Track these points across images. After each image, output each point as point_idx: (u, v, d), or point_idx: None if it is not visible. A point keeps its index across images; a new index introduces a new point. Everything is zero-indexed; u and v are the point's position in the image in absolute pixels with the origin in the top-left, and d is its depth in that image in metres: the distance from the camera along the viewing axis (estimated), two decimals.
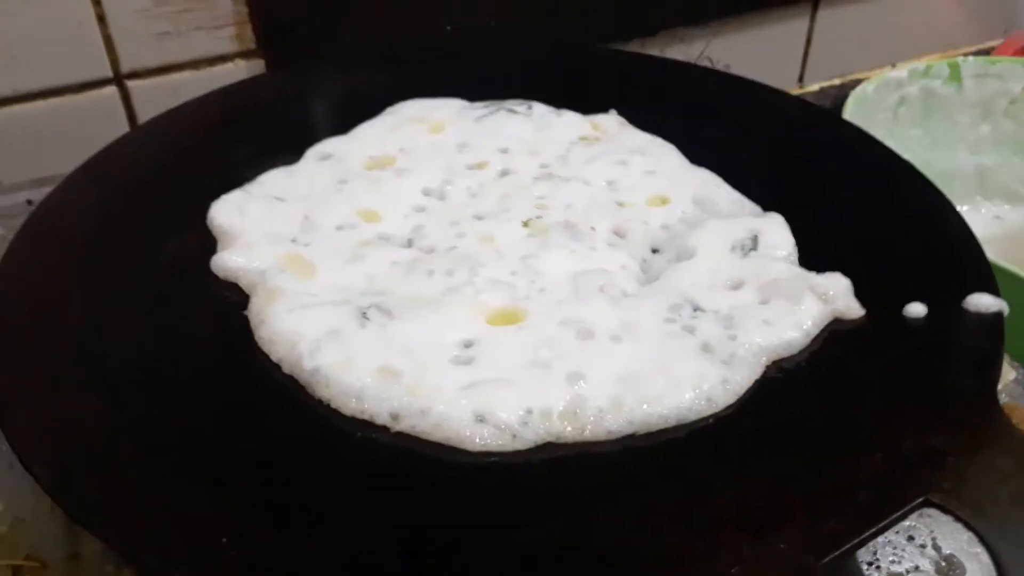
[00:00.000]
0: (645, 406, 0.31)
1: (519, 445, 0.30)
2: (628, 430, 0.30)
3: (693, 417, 0.31)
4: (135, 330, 0.34)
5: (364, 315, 0.35)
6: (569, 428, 0.30)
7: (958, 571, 0.32)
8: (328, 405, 0.32)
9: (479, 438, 0.30)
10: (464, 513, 0.28)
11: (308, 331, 0.34)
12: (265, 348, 0.34)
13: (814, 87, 0.82)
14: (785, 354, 0.33)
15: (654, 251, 0.40)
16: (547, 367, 0.32)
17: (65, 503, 0.27)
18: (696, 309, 0.35)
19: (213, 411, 0.31)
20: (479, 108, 0.49)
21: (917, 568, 0.32)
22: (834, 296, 0.35)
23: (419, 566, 0.26)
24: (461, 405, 0.31)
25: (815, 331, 0.34)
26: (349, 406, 0.31)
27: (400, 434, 0.30)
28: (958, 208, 0.69)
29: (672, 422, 0.31)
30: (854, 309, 0.35)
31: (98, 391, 0.31)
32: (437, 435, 0.30)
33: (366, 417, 0.31)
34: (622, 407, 0.31)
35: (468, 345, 0.34)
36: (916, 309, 0.34)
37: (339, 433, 0.31)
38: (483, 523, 0.28)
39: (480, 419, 0.30)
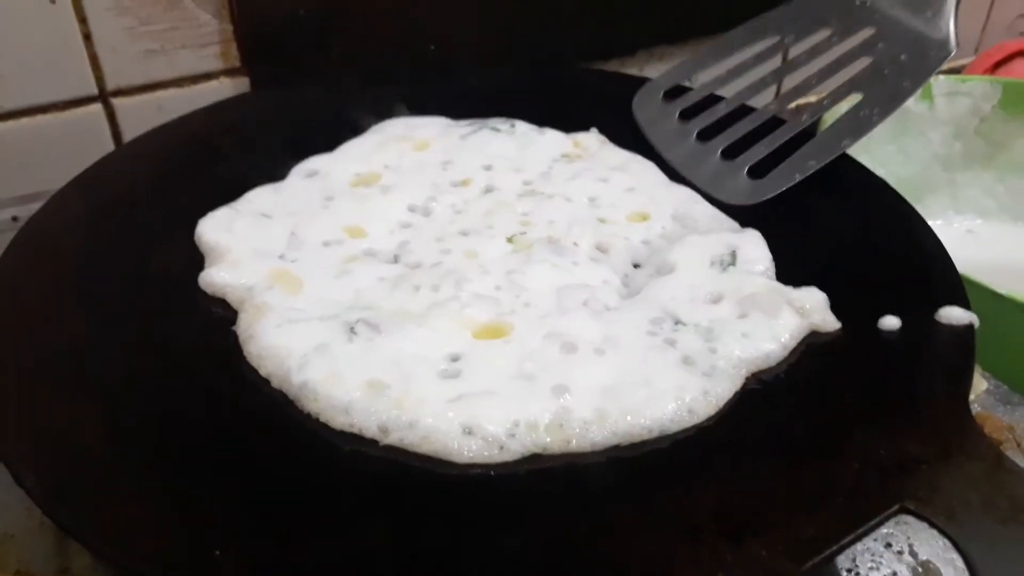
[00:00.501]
0: (628, 417, 0.31)
1: (506, 457, 0.30)
2: (612, 441, 0.31)
3: (675, 428, 0.32)
4: (126, 345, 0.34)
5: (352, 330, 0.35)
6: (555, 440, 0.31)
7: None
8: (317, 419, 0.32)
9: (467, 450, 0.30)
10: (452, 523, 0.28)
11: (296, 346, 0.34)
12: (254, 363, 0.34)
13: (791, 105, 0.84)
14: (764, 366, 0.34)
15: (635, 266, 0.41)
16: (532, 380, 0.33)
17: (57, 516, 0.28)
18: (677, 323, 0.36)
19: (204, 425, 0.32)
20: (463, 126, 0.49)
21: (895, 574, 0.33)
22: (810, 310, 0.35)
23: (409, 574, 0.26)
24: (448, 418, 0.31)
25: (792, 343, 0.35)
26: (338, 420, 0.32)
27: (389, 447, 0.31)
28: (931, 223, 0.71)
29: (655, 433, 0.31)
30: (830, 322, 0.35)
31: (89, 405, 0.31)
32: (425, 447, 0.31)
33: (355, 430, 0.31)
34: (606, 419, 0.31)
35: (455, 359, 0.34)
36: (890, 322, 0.35)
37: (328, 446, 0.31)
38: (471, 532, 0.28)
39: (468, 431, 0.31)
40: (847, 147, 0.44)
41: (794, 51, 0.51)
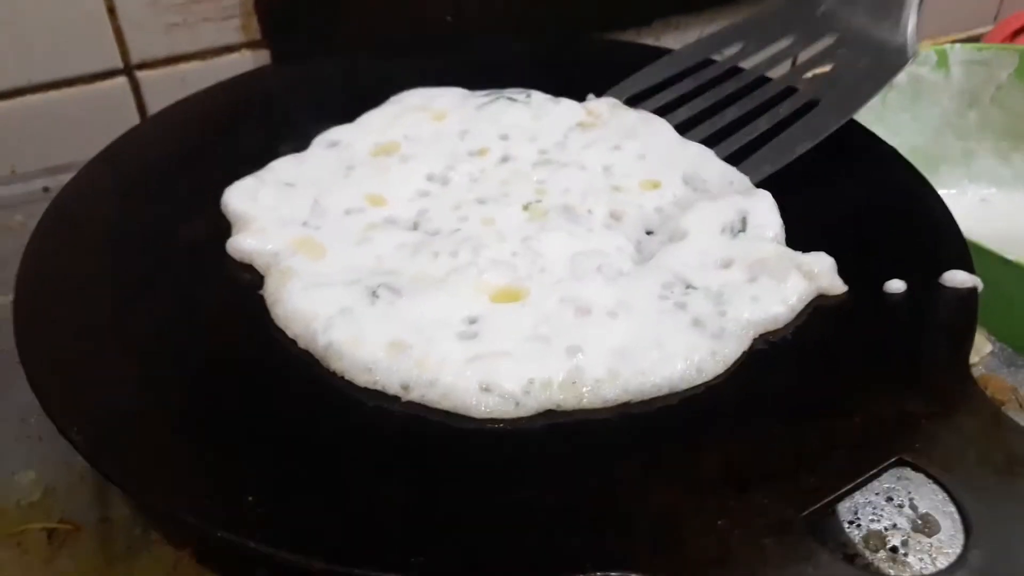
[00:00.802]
0: (639, 376, 0.33)
1: (521, 412, 0.32)
2: (623, 398, 0.32)
3: (684, 386, 0.33)
4: (159, 309, 0.36)
5: (374, 294, 0.36)
6: (568, 397, 0.32)
7: (933, 527, 0.34)
8: (342, 377, 0.34)
9: (484, 406, 0.32)
10: (469, 473, 0.30)
11: (321, 309, 0.36)
12: (281, 325, 0.36)
13: (807, 73, 0.84)
14: (772, 328, 0.35)
15: (648, 233, 0.42)
16: (547, 341, 0.34)
17: (100, 465, 0.29)
18: (688, 287, 0.37)
19: (236, 382, 0.33)
20: (480, 96, 0.50)
21: (895, 526, 0.34)
22: (818, 274, 0.36)
23: (428, 522, 0.28)
24: (467, 376, 0.33)
25: (800, 306, 0.36)
26: (362, 378, 0.33)
27: (410, 403, 0.32)
28: (945, 191, 0.72)
29: (664, 390, 0.33)
30: (837, 286, 0.36)
31: (127, 365, 0.33)
32: (445, 404, 0.32)
33: (378, 387, 0.33)
34: (617, 377, 0.33)
35: (472, 321, 0.36)
36: (895, 286, 0.36)
37: (353, 403, 0.33)
38: (487, 484, 0.30)
39: (485, 389, 0.32)
40: (803, 150, 0.44)
41: (756, 59, 0.51)
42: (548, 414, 0.32)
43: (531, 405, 0.32)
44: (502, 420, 0.32)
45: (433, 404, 0.32)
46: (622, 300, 0.36)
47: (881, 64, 0.46)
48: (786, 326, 0.36)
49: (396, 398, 0.33)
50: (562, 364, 0.33)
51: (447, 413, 0.32)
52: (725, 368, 0.34)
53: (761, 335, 0.35)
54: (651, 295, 0.37)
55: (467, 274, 0.38)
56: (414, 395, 0.33)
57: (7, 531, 0.34)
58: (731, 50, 0.52)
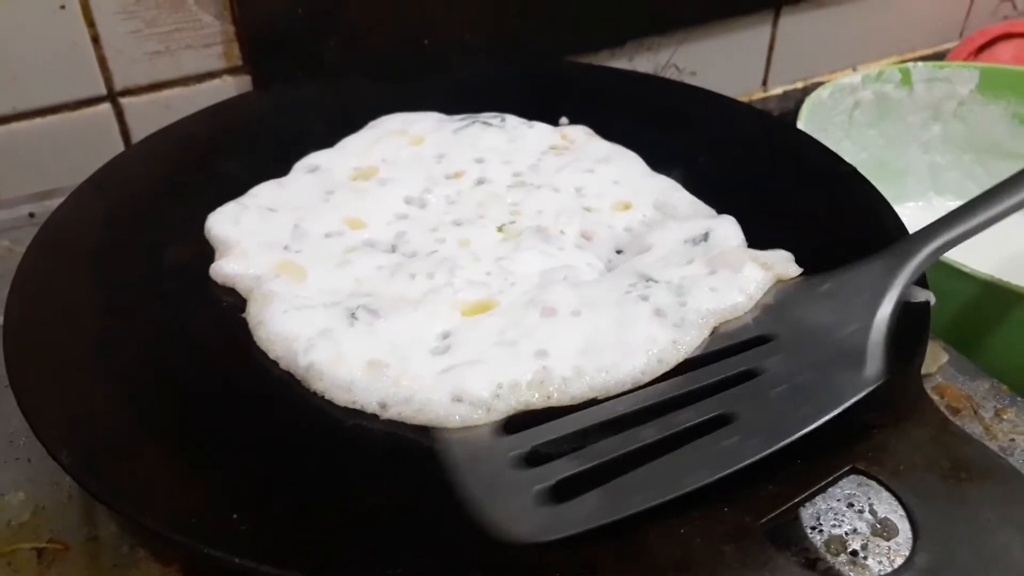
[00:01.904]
0: (604, 373, 0.34)
1: (493, 417, 0.33)
2: (590, 395, 0.34)
3: (648, 378, 0.34)
4: (145, 332, 0.37)
5: (353, 315, 0.38)
6: (536, 396, 0.34)
7: (891, 531, 0.36)
8: (322, 397, 0.35)
9: (457, 416, 0.33)
10: (445, 487, 0.31)
11: (302, 331, 0.37)
12: (263, 347, 0.37)
13: (778, 90, 0.86)
14: (731, 316, 0.37)
15: (618, 252, 0.43)
16: (514, 345, 0.36)
17: (88, 485, 0.30)
18: (649, 280, 0.38)
19: (219, 403, 0.35)
20: (456, 121, 0.52)
21: (855, 530, 0.36)
22: (773, 263, 0.38)
23: (408, 536, 0.29)
24: (439, 389, 0.34)
25: (758, 295, 0.38)
26: (341, 397, 0.35)
27: (388, 420, 0.34)
28: (912, 204, 0.74)
29: (628, 385, 0.34)
30: (792, 271, 0.38)
31: (114, 388, 0.34)
32: (420, 419, 0.33)
33: (357, 406, 0.34)
34: (583, 375, 0.34)
35: (445, 336, 0.37)
36: None
37: (333, 421, 0.34)
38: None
39: (456, 399, 0.33)
40: (694, 484, 0.29)
41: None
42: (518, 416, 0.33)
43: (501, 408, 0.33)
44: (475, 427, 0.33)
45: (409, 420, 0.33)
46: (586, 298, 0.38)
47: (832, 385, 0.32)
48: (745, 314, 0.37)
49: (374, 416, 0.34)
50: (530, 366, 0.34)
51: (423, 428, 0.33)
52: (686, 357, 0.35)
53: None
54: (615, 291, 0.38)
55: (443, 294, 0.39)
56: (391, 412, 0.34)
57: None
58: None
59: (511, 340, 0.36)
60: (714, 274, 0.38)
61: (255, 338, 0.37)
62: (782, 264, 0.38)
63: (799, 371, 0.33)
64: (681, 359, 0.35)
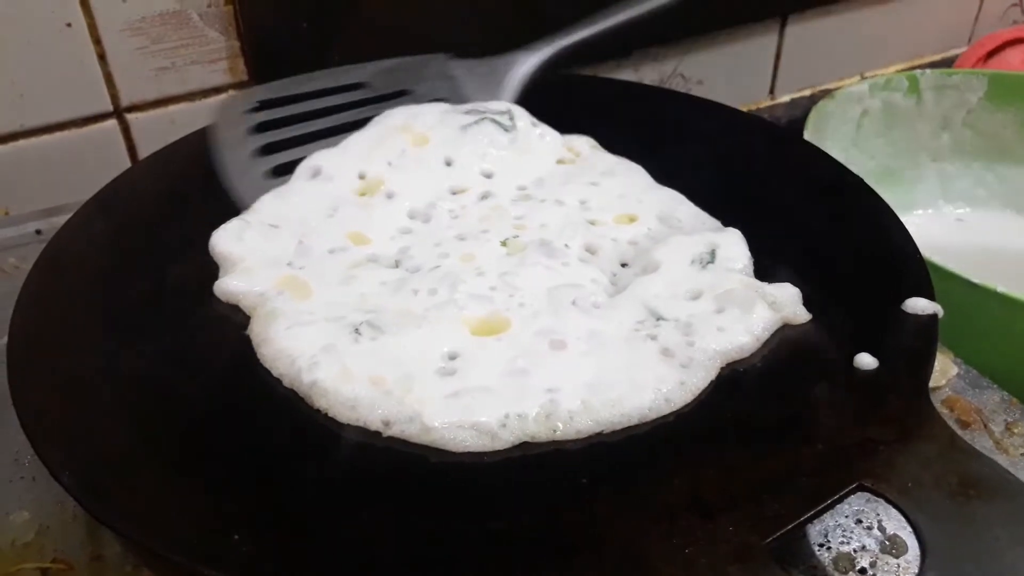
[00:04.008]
0: (611, 407, 0.34)
1: (498, 445, 0.33)
2: (595, 429, 0.34)
3: (654, 415, 0.34)
4: (149, 351, 0.37)
5: (356, 331, 0.38)
6: (542, 429, 0.33)
7: (900, 548, 0.35)
8: (326, 414, 0.35)
9: (462, 441, 0.33)
10: (447, 507, 0.31)
11: (306, 348, 0.37)
12: (267, 365, 0.37)
13: (785, 98, 0.86)
14: (738, 357, 0.37)
15: (623, 265, 0.43)
16: (524, 375, 0.35)
17: (90, 507, 0.30)
18: (659, 319, 0.38)
19: (223, 422, 0.34)
20: (462, 115, 0.50)
21: (864, 547, 0.36)
22: (783, 304, 0.38)
23: (409, 553, 0.29)
24: (445, 412, 0.34)
25: (766, 335, 0.37)
26: (345, 415, 0.34)
27: (391, 438, 0.34)
28: (921, 212, 0.73)
29: (635, 420, 0.34)
30: (801, 315, 0.38)
31: (117, 408, 0.34)
32: (424, 439, 0.33)
33: (360, 424, 0.34)
34: (590, 410, 0.34)
35: (452, 357, 0.37)
36: (866, 360, 0.36)
37: (337, 441, 0.34)
38: (464, 516, 0.31)
39: (462, 426, 0.33)
40: None
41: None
42: (523, 446, 0.33)
43: (507, 438, 0.33)
44: (479, 453, 0.33)
45: (413, 439, 0.33)
46: (595, 331, 0.38)
47: None
48: (752, 355, 0.37)
49: (377, 434, 0.34)
50: (538, 399, 0.34)
51: (426, 448, 0.33)
52: (693, 397, 0.35)
53: (728, 364, 0.36)
54: (623, 327, 0.38)
55: (447, 311, 0.39)
56: (394, 430, 0.34)
57: (2, 571, 0.35)
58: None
59: (520, 370, 0.36)
60: (722, 312, 0.38)
61: (259, 356, 0.37)
62: (791, 306, 0.38)
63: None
64: (688, 400, 0.35)
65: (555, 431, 0.33)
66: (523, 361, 0.36)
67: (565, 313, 0.39)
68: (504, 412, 0.34)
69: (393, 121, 0.51)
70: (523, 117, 0.51)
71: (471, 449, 0.33)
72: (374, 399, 0.35)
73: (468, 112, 0.51)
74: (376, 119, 0.51)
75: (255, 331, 0.39)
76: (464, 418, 0.33)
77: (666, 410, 0.34)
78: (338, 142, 0.49)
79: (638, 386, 0.35)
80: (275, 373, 0.37)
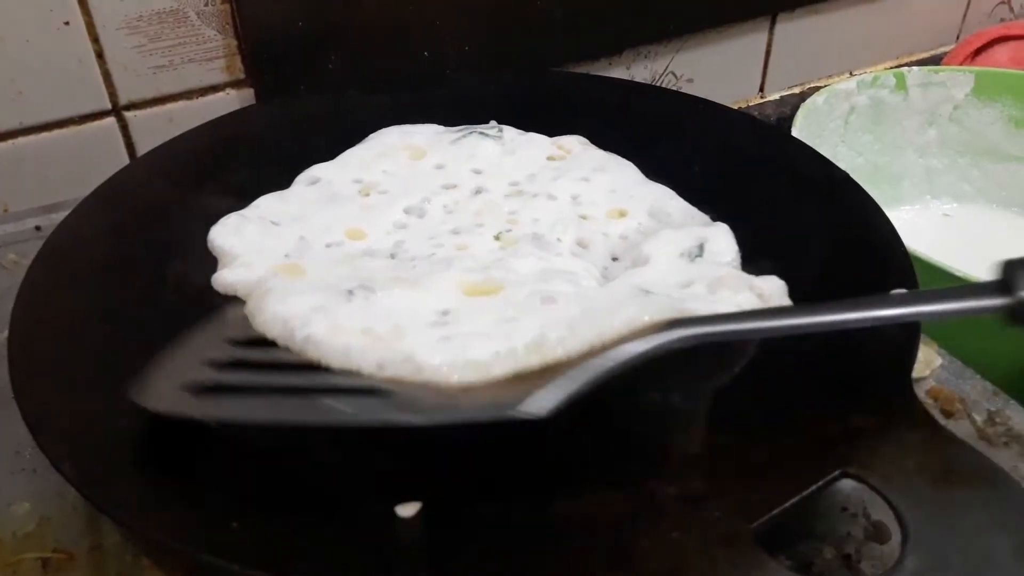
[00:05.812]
0: (599, 324, 0.34)
1: (491, 377, 0.33)
2: (584, 348, 0.34)
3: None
4: (148, 343, 0.38)
5: (350, 292, 0.37)
6: (533, 358, 0.34)
7: (885, 535, 0.36)
8: (319, 364, 0.34)
9: (456, 376, 0.33)
10: (440, 492, 0.32)
11: (299, 310, 0.36)
12: (262, 330, 0.36)
13: (775, 96, 0.87)
14: None
15: (614, 259, 0.44)
16: (515, 321, 0.36)
17: (90, 496, 0.31)
18: (647, 293, 0.39)
19: None
20: (454, 132, 0.52)
21: (849, 534, 0.36)
22: (769, 296, 0.39)
23: (410, 541, 0.30)
24: (438, 351, 0.34)
25: None
26: (338, 361, 0.34)
27: (386, 379, 0.33)
28: (908, 207, 0.74)
29: (624, 331, 0.34)
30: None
31: (117, 399, 0.35)
32: (418, 378, 0.33)
33: (353, 367, 0.34)
34: (577, 332, 0.34)
35: (445, 313, 0.37)
36: None
37: (335, 431, 0.33)
38: (455, 500, 0.32)
39: (455, 362, 0.33)
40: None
41: None
42: (517, 378, 0.33)
43: (499, 371, 0.33)
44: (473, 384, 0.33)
45: (408, 378, 0.33)
46: (586, 294, 0.38)
47: None
48: None
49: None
50: (528, 335, 0.34)
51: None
52: None
53: None
54: (615, 297, 0.38)
55: (441, 275, 0.39)
56: (389, 372, 0.33)
57: (3, 561, 0.36)
58: None
59: (512, 318, 0.36)
60: (713, 295, 0.38)
61: (254, 327, 0.37)
62: (777, 297, 0.38)
63: None
64: None
65: (544, 359, 0.33)
66: (514, 312, 0.36)
67: (556, 283, 0.39)
68: (495, 350, 0.34)
69: (389, 139, 0.52)
70: (511, 130, 0.53)
71: (465, 383, 0.33)
72: (366, 345, 0.34)
73: (459, 130, 0.52)
74: (372, 136, 0.52)
75: (249, 307, 0.38)
76: (457, 355, 0.33)
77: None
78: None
79: (624, 306, 0.35)
80: (270, 336, 0.36)
